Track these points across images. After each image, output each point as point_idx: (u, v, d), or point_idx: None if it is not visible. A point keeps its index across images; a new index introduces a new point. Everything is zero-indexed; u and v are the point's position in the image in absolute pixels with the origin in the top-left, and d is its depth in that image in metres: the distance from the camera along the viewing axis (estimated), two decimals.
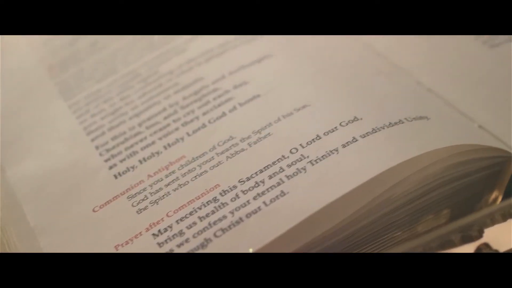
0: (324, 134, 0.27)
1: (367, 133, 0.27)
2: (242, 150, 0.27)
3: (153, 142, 0.29)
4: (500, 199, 0.29)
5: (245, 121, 0.29)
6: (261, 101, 0.29)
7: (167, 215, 0.25)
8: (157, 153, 0.29)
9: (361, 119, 0.27)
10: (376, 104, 0.29)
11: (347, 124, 0.27)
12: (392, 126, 0.27)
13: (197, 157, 0.28)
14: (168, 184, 0.27)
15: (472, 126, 0.29)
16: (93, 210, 0.27)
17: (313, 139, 0.27)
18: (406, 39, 0.34)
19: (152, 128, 0.30)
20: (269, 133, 0.28)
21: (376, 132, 0.27)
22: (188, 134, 0.29)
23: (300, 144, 0.27)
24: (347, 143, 0.26)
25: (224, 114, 0.29)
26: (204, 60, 0.32)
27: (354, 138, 0.26)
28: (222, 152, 0.27)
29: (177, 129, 0.29)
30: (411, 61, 0.33)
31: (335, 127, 0.27)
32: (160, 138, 0.29)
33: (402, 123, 0.27)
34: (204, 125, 0.29)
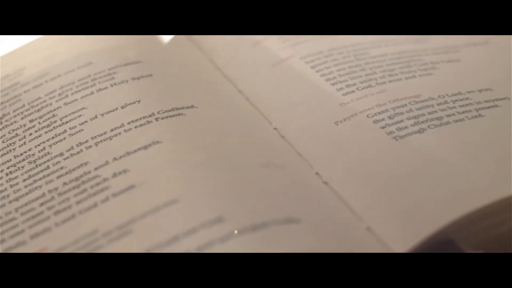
0: (183, 234, 0.26)
1: (226, 236, 0.25)
2: (100, 247, 0.26)
3: (22, 231, 0.28)
4: None
5: (113, 214, 0.28)
6: (135, 192, 0.29)
7: None
8: (23, 243, 0.28)
9: (226, 219, 0.26)
10: (249, 202, 0.28)
11: (208, 225, 0.26)
12: (256, 230, 0.26)
13: (56, 250, 0.27)
14: None
15: (359, 227, 0.28)
16: None
17: (171, 240, 0.26)
18: (315, 124, 0.33)
19: (26, 214, 0.29)
20: (131, 229, 0.27)
21: (238, 235, 0.25)
22: (56, 224, 0.28)
23: (157, 246, 0.26)
24: (203, 246, 0.25)
25: (95, 205, 0.29)
26: (94, 143, 0.32)
27: (210, 241, 0.25)
28: (82, 247, 0.27)
29: (48, 218, 0.29)
30: (315, 150, 0.32)
31: (195, 228, 0.26)
32: (30, 227, 0.29)
33: (267, 227, 0.26)
34: (73, 216, 0.28)
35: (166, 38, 0.41)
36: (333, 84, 0.35)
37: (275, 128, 0.34)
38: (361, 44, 0.38)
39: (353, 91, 0.34)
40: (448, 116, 0.32)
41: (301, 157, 0.32)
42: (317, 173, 0.31)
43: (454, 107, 0.33)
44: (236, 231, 0.26)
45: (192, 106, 0.33)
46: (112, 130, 0.32)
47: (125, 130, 0.32)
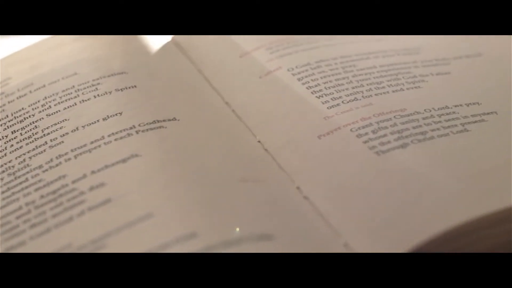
0: (156, 250, 0.25)
1: (200, 253, 0.25)
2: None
3: None
4: None
5: (88, 228, 0.28)
6: (110, 206, 0.28)
7: None
8: None
9: (199, 235, 0.26)
10: (224, 218, 0.27)
11: (181, 240, 0.26)
12: (229, 246, 0.25)
13: None
14: None
15: (337, 243, 0.27)
16: None
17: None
18: (298, 138, 0.33)
19: (2, 228, 0.29)
20: (104, 244, 0.26)
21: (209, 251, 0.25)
22: (31, 238, 0.28)
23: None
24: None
25: (71, 219, 0.28)
26: (74, 156, 0.31)
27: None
28: None
29: (23, 231, 0.28)
30: (297, 164, 0.32)
31: (167, 244, 0.26)
32: (5, 240, 0.28)
33: (240, 244, 0.26)
34: (48, 230, 0.28)
35: (155, 48, 0.41)
36: (318, 97, 0.34)
37: (259, 141, 0.33)
38: (350, 56, 0.38)
39: (338, 104, 0.34)
40: (432, 130, 0.32)
41: (283, 171, 0.31)
42: (298, 188, 0.30)
43: (439, 122, 0.32)
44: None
45: (174, 119, 0.33)
46: (92, 142, 0.32)
47: (105, 143, 0.32)
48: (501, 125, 0.33)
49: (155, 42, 0.42)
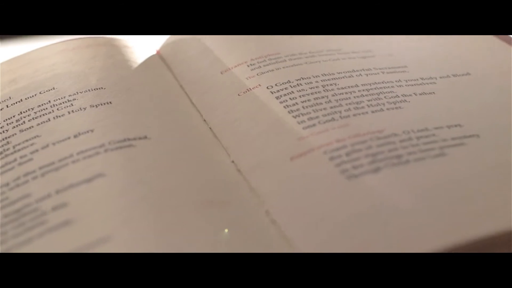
0: None
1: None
2: None
3: None
4: None
5: (46, 250, 0.27)
6: (70, 228, 0.28)
7: None
8: None
9: None
10: (183, 242, 0.27)
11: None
12: None
13: None
14: None
15: None
16: None
17: None
18: (271, 159, 0.32)
19: None
20: None
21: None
22: None
23: None
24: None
25: (30, 240, 0.28)
26: (41, 174, 0.31)
27: None
28: None
29: None
30: (269, 186, 0.31)
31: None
32: None
33: None
34: (8, 251, 0.28)
35: (138, 61, 0.40)
36: (295, 117, 0.34)
37: (233, 161, 0.33)
38: (332, 74, 0.37)
39: (314, 125, 0.33)
40: (409, 154, 0.31)
41: (254, 193, 0.31)
42: (267, 211, 0.30)
43: (417, 145, 0.31)
44: None
45: (145, 137, 0.32)
46: (60, 160, 0.31)
47: (73, 161, 0.31)
48: (480, 149, 0.32)
49: (140, 55, 0.41)
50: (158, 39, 0.44)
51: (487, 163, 0.31)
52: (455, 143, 0.32)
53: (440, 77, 0.38)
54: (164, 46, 0.43)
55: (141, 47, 0.43)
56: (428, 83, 0.37)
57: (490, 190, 0.30)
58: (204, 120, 0.36)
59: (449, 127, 0.33)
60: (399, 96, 0.35)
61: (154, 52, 0.43)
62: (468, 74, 0.38)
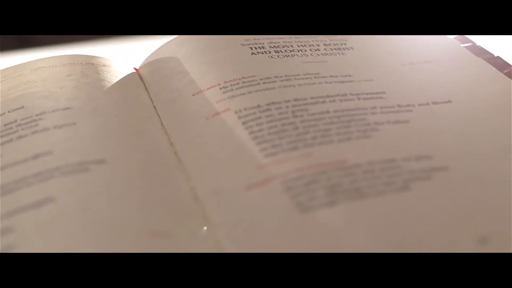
0: None
1: None
2: None
3: None
4: None
5: None
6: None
7: None
8: None
9: None
10: None
11: None
12: None
13: None
14: None
15: None
16: None
17: None
18: (228, 187, 0.31)
19: None
20: None
21: None
22: None
23: None
24: None
25: None
26: None
27: None
28: None
29: None
30: (224, 216, 0.30)
31: None
32: None
33: None
34: None
35: (114, 80, 0.40)
36: (258, 144, 0.33)
37: (192, 188, 0.32)
38: (304, 99, 0.36)
39: (276, 153, 0.32)
40: (370, 187, 0.30)
41: (208, 223, 0.30)
42: (218, 242, 0.29)
43: (380, 177, 0.30)
44: None
45: (103, 161, 0.32)
46: (15, 182, 0.31)
47: (27, 184, 0.31)
48: (446, 183, 0.30)
49: (118, 74, 0.41)
50: (139, 57, 0.44)
51: (454, 198, 0.30)
52: (422, 176, 0.31)
53: (419, 104, 0.37)
54: (144, 65, 0.43)
55: (120, 66, 0.42)
56: (404, 111, 0.36)
57: (453, 227, 0.28)
58: (171, 144, 0.35)
59: (417, 158, 0.32)
60: (370, 124, 0.34)
61: (133, 71, 0.42)
62: (449, 101, 0.37)
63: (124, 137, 0.34)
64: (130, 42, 0.64)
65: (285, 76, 0.38)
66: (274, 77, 0.38)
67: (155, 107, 0.38)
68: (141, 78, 0.41)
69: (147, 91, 0.40)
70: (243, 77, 0.38)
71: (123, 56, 0.47)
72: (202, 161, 0.33)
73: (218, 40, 0.42)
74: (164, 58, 0.42)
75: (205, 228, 0.29)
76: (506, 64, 0.42)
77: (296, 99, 0.36)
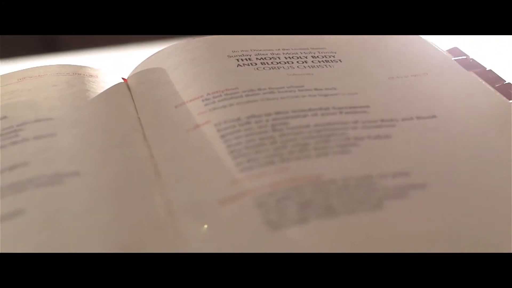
0: None
1: None
2: None
3: None
4: None
5: None
6: None
7: None
8: None
9: None
10: None
11: None
12: None
13: None
14: None
15: None
16: None
17: None
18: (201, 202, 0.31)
19: None
20: None
21: None
22: None
23: None
24: None
25: None
26: None
27: None
28: None
29: None
30: (195, 231, 0.30)
31: None
32: None
33: None
34: None
35: (100, 90, 0.40)
36: (234, 158, 0.32)
37: (167, 202, 0.32)
38: (286, 113, 0.36)
39: (251, 168, 0.32)
40: (342, 204, 0.29)
41: (178, 238, 0.30)
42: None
43: (354, 194, 0.30)
44: None
45: (77, 174, 0.32)
46: None
47: (2, 196, 0.31)
48: (422, 201, 0.30)
49: (105, 85, 0.41)
50: (128, 68, 0.44)
51: (428, 217, 0.29)
52: (396, 193, 0.30)
53: (403, 119, 0.36)
54: (132, 75, 0.43)
55: (107, 76, 0.42)
56: (387, 126, 0.35)
57: (423, 246, 0.28)
58: (151, 156, 0.35)
59: (394, 175, 0.31)
60: (350, 139, 0.34)
61: (121, 81, 0.42)
62: (434, 116, 0.36)
63: (104, 149, 0.34)
64: (127, 51, 0.64)
65: (269, 88, 0.38)
66: (258, 89, 0.38)
67: (139, 118, 0.38)
68: (129, 89, 0.42)
69: (134, 102, 0.40)
70: (226, 89, 0.38)
71: (118, 65, 0.47)
72: (179, 174, 0.33)
73: (204, 51, 0.42)
74: (152, 68, 0.42)
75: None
76: (497, 78, 0.42)
77: (277, 112, 0.36)
